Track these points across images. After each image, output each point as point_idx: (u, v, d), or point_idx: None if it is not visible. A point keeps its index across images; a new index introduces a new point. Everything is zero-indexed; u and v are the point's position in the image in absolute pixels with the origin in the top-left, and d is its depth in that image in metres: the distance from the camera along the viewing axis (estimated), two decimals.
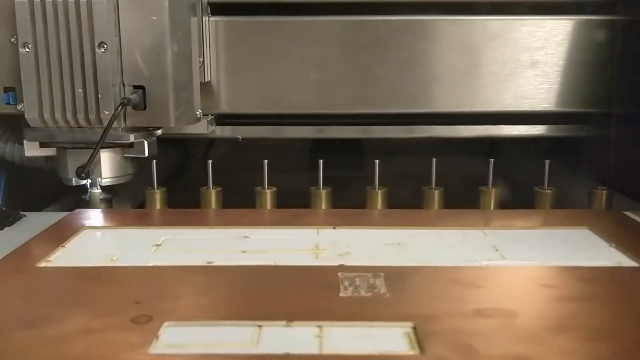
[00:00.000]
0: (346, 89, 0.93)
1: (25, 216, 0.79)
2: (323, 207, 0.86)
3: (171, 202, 0.87)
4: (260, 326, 0.49)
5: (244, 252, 0.67)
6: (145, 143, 0.81)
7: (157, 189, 0.85)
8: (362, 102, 0.94)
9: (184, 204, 0.86)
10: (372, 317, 0.51)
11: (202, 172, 0.87)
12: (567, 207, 0.88)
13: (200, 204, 0.86)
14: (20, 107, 0.78)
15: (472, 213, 0.81)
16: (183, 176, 1.23)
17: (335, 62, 0.92)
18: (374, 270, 0.60)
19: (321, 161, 0.86)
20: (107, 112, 0.76)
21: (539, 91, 0.92)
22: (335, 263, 0.63)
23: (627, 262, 0.64)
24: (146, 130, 0.82)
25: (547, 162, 0.85)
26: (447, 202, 0.87)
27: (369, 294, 0.55)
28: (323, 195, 0.86)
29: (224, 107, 0.93)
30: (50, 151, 0.82)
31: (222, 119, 0.96)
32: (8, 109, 0.79)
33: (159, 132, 0.84)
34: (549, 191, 0.86)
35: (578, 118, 0.96)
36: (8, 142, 0.89)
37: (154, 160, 0.85)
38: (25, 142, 0.81)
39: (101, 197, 0.82)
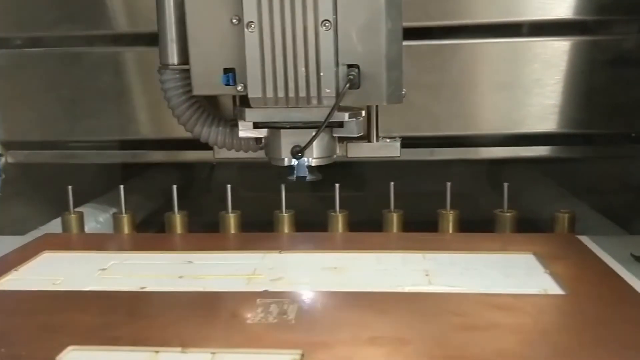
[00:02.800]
0: None
1: None
2: (286, 230, 0.88)
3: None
4: (157, 352, 0.51)
5: (180, 277, 0.69)
6: (355, 122, 0.80)
7: (125, 213, 0.89)
8: None
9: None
10: (268, 344, 0.52)
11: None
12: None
13: (166, 229, 0.89)
14: (239, 87, 0.77)
15: (424, 236, 0.82)
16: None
17: None
18: (294, 296, 0.62)
19: (283, 185, 0.88)
20: (328, 91, 0.75)
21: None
22: (261, 289, 0.65)
23: (554, 289, 0.63)
24: (353, 110, 0.80)
25: (505, 185, 0.85)
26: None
27: (276, 321, 0.56)
28: (286, 218, 0.88)
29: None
30: (262, 132, 0.81)
31: None
32: (228, 89, 0.78)
33: (363, 112, 0.83)
34: (508, 214, 0.85)
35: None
36: (212, 126, 0.86)
37: (121, 186, 0.89)
38: (240, 123, 0.80)
39: (308, 179, 0.81)
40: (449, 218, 0.86)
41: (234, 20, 0.76)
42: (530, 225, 0.91)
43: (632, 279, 0.65)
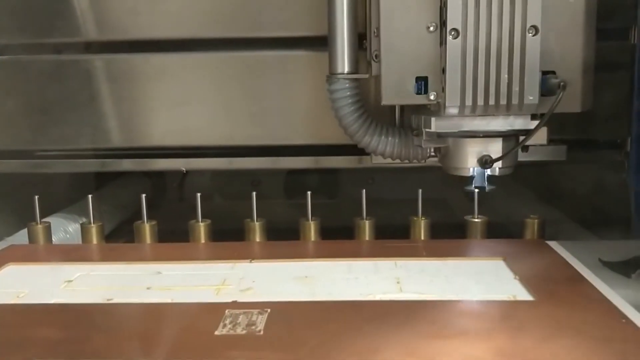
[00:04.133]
0: None
1: None
2: (257, 239, 0.87)
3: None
4: None
5: (148, 288, 0.68)
6: (545, 130, 0.76)
7: (94, 223, 0.87)
8: None
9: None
10: (236, 356, 0.52)
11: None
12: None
13: (134, 238, 0.87)
14: (432, 96, 0.76)
15: (396, 244, 0.81)
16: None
17: None
18: (263, 306, 0.61)
19: (254, 193, 0.87)
20: (531, 98, 0.73)
21: None
22: (231, 299, 0.64)
23: (523, 295, 0.63)
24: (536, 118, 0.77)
25: (475, 191, 0.85)
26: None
27: (244, 332, 0.56)
28: (257, 227, 0.87)
29: None
30: (444, 142, 0.80)
31: None
32: (418, 98, 0.77)
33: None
34: (478, 220, 0.85)
35: None
36: (381, 136, 0.84)
37: (90, 196, 0.87)
38: (425, 132, 0.79)
39: (487, 189, 0.80)
40: (421, 225, 0.86)
41: (431, 28, 0.75)
42: (501, 231, 0.92)
43: (601, 284, 0.65)
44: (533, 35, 0.72)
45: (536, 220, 0.85)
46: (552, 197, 1.07)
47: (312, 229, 0.87)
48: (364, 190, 0.87)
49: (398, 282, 0.68)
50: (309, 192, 0.87)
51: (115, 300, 0.64)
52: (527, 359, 0.50)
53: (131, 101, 0.97)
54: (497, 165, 0.78)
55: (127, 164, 1.02)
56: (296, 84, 0.95)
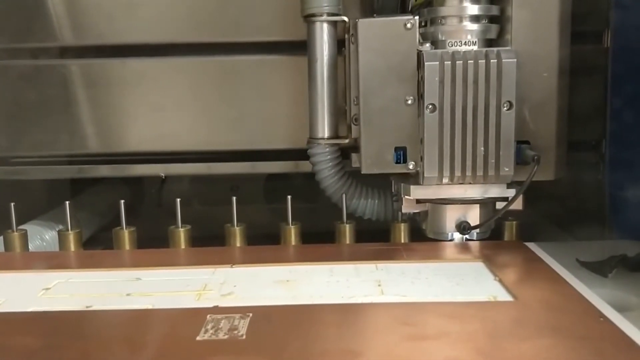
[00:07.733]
0: None
1: None
2: (238, 244, 0.87)
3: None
4: None
5: (128, 295, 0.67)
6: (521, 197, 0.78)
7: (71, 230, 0.86)
8: None
9: None
10: None
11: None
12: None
13: (114, 245, 0.87)
14: (410, 165, 0.79)
15: (377, 247, 0.82)
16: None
17: None
18: (245, 311, 0.61)
19: (234, 198, 0.87)
20: (507, 169, 0.76)
21: None
22: (212, 304, 0.63)
23: (503, 296, 0.64)
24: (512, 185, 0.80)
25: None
26: None
27: (226, 337, 0.55)
28: (237, 232, 0.87)
29: None
30: (425, 207, 0.82)
31: None
32: (397, 167, 0.79)
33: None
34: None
35: None
36: (360, 199, 0.90)
37: (67, 202, 0.86)
38: (405, 198, 0.81)
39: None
40: (401, 228, 0.86)
41: (409, 101, 0.77)
42: None
43: (578, 283, 0.66)
44: (508, 110, 0.75)
45: (514, 222, 0.87)
46: (528, 198, 1.08)
47: (292, 233, 0.87)
48: (344, 195, 0.87)
49: (379, 285, 0.68)
50: (289, 197, 0.87)
51: (95, 308, 0.64)
52: (507, 359, 0.51)
53: (108, 106, 0.96)
54: (477, 230, 0.82)
55: (105, 170, 1.02)
56: (274, 89, 0.95)
